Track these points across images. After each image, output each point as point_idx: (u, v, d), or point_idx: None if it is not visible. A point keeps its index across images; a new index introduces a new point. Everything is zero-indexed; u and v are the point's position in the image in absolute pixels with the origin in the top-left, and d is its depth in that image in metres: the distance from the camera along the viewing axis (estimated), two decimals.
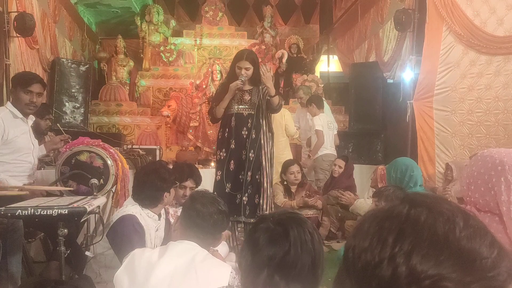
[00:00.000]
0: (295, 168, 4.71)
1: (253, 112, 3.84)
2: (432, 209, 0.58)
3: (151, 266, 1.72)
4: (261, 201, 3.81)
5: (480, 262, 0.53)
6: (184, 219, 1.94)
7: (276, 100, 3.79)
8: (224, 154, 3.85)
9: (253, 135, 3.84)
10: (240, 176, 3.82)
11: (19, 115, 3.06)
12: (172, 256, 1.76)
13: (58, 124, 4.26)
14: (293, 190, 4.75)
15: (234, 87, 3.76)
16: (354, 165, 5.57)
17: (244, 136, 3.82)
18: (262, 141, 3.86)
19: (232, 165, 3.82)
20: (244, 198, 3.78)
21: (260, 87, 3.85)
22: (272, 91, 3.76)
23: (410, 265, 0.53)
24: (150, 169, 2.67)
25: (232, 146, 3.82)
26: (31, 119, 3.21)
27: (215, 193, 3.81)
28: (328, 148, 5.36)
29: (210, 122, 6.49)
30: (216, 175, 3.91)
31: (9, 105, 3.10)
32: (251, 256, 1.20)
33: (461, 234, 0.55)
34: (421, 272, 0.53)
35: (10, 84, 3.46)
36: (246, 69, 3.77)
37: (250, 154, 3.81)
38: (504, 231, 1.58)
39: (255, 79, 3.83)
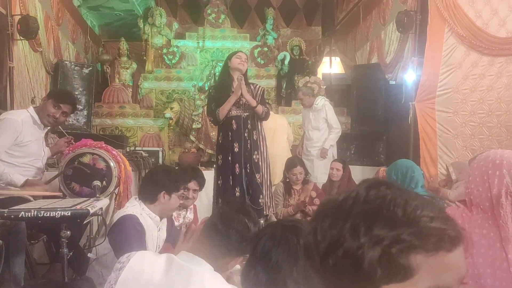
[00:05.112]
0: (297, 170, 4.72)
1: (250, 114, 3.85)
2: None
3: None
4: (267, 200, 3.83)
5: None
6: (204, 227, 1.65)
7: (260, 109, 3.83)
8: (230, 158, 3.81)
9: (254, 136, 3.84)
10: (246, 179, 3.81)
11: (38, 121, 3.11)
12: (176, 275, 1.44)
13: (60, 126, 4.27)
14: (295, 187, 4.74)
15: (239, 87, 3.72)
16: (357, 167, 5.56)
17: (247, 138, 3.82)
18: (262, 142, 3.88)
19: (237, 168, 3.80)
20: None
21: (252, 87, 3.87)
22: (253, 102, 3.78)
23: (372, 233, 0.62)
24: (163, 167, 2.74)
25: (236, 149, 3.79)
26: (47, 127, 3.25)
27: (220, 200, 3.82)
28: None
29: (212, 124, 6.56)
30: (218, 180, 3.85)
31: (30, 109, 3.13)
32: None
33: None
34: (381, 236, 0.62)
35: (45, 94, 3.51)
36: (245, 60, 3.82)
37: (255, 156, 3.81)
38: (496, 230, 1.63)
39: (246, 81, 3.84)
